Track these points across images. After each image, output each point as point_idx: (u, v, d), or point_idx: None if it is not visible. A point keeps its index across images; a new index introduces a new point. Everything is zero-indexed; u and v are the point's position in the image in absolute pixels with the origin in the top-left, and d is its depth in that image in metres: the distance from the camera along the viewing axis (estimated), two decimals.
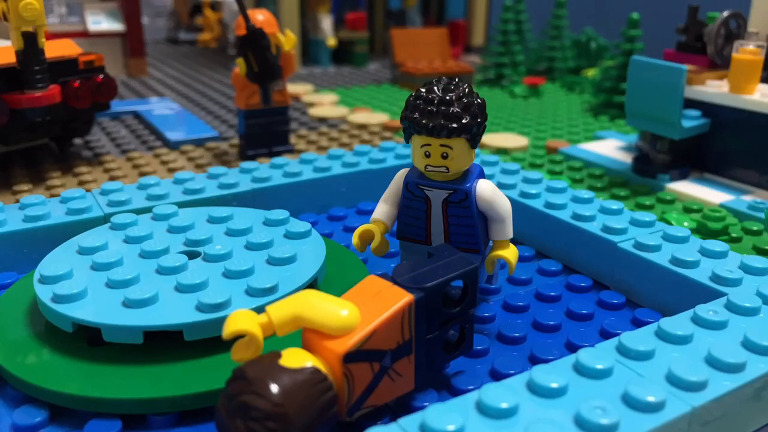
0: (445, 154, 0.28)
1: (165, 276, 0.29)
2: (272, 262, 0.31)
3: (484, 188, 0.30)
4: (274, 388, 0.20)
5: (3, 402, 0.26)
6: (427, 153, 0.29)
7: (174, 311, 0.27)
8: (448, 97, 0.28)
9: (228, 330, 0.21)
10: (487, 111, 0.29)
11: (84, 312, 0.27)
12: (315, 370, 0.21)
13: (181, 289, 0.28)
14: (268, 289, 0.28)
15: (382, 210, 0.31)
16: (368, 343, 0.22)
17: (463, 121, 0.27)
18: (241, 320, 0.22)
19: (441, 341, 0.25)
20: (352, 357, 0.22)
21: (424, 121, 0.28)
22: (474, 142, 0.28)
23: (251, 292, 0.28)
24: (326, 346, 0.22)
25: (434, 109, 0.28)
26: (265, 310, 0.22)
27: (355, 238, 0.31)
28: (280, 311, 0.22)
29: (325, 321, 0.22)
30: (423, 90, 0.28)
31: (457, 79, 0.29)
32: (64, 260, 0.30)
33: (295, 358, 0.22)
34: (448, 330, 0.25)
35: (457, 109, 0.27)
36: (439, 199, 0.30)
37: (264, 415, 0.20)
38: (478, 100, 0.28)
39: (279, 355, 0.22)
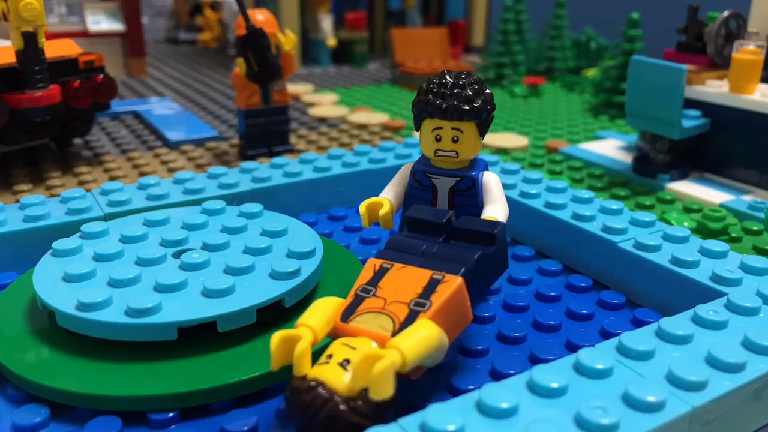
0: (455, 138, 0.29)
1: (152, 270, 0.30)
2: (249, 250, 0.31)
3: (491, 176, 0.31)
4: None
5: (4, 401, 0.26)
6: (438, 137, 0.29)
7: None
8: (461, 82, 0.29)
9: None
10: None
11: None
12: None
13: (159, 289, 0.28)
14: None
15: (390, 192, 0.32)
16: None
17: (475, 104, 0.28)
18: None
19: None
20: None
21: (437, 102, 0.28)
22: (483, 128, 0.29)
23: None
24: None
25: (447, 92, 0.29)
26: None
27: (362, 208, 0.31)
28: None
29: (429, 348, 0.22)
30: (435, 78, 0.29)
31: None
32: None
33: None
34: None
35: (470, 93, 0.29)
36: (445, 188, 0.31)
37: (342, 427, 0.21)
38: (488, 90, 0.30)
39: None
